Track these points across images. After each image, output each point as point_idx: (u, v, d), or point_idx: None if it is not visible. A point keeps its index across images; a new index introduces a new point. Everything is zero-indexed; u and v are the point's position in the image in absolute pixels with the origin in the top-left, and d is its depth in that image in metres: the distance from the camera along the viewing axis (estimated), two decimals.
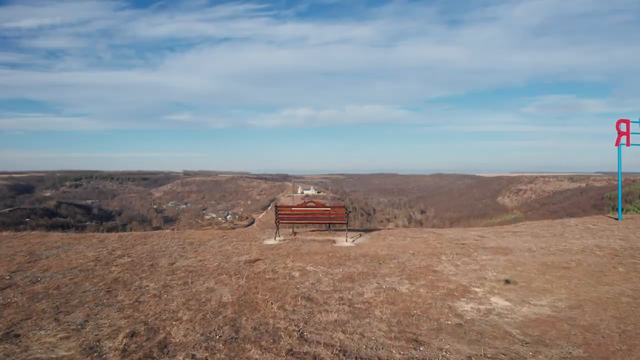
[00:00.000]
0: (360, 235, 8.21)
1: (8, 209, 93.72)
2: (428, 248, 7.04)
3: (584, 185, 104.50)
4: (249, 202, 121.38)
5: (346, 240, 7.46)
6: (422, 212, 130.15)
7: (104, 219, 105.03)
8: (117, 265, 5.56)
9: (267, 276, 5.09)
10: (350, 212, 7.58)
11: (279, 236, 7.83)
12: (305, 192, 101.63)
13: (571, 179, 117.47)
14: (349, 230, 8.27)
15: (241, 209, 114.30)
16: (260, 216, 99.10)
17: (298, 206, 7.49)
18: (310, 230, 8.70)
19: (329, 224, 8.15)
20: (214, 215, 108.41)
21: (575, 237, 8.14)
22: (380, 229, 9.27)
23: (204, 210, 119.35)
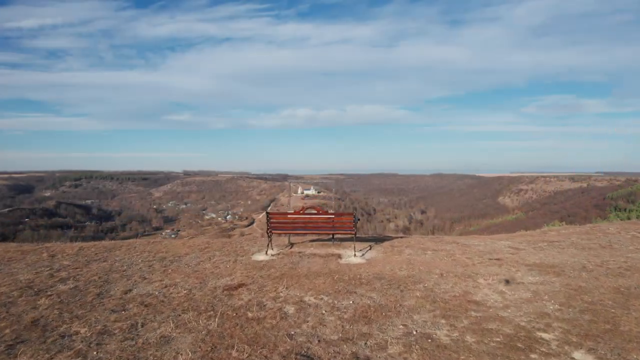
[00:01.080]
0: (371, 247, 6.80)
1: (7, 209, 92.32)
2: (457, 266, 5.64)
3: (585, 185, 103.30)
4: (249, 202, 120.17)
5: (354, 254, 6.06)
6: (423, 212, 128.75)
7: (104, 219, 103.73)
8: (51, 295, 4.16)
9: (249, 314, 3.69)
10: (359, 219, 6.19)
11: (272, 249, 6.42)
12: (305, 192, 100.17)
13: (572, 179, 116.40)
14: (357, 240, 6.88)
15: (241, 209, 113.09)
16: (260, 216, 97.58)
17: (295, 213, 6.09)
18: (310, 241, 7.30)
19: (333, 234, 6.74)
20: (213, 216, 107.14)
21: (629, 250, 6.73)
22: (393, 238, 7.87)
23: (204, 210, 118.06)
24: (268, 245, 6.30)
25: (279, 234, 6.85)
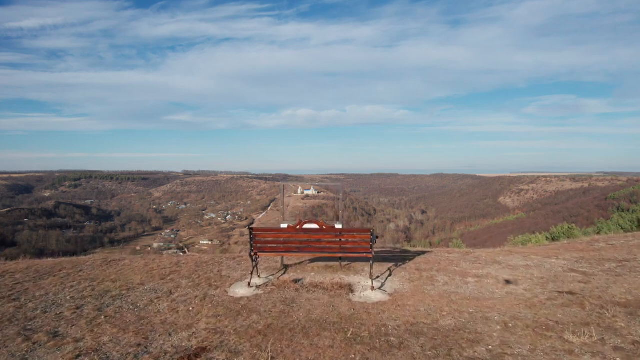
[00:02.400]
0: (390, 271, 5.09)
1: (6, 210, 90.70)
2: (518, 305, 3.94)
3: (586, 185, 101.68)
4: (249, 202, 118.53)
5: (372, 285, 4.35)
6: (423, 212, 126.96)
7: (103, 220, 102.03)
8: None
9: None
10: (377, 237, 4.49)
11: (257, 277, 4.72)
12: (306, 192, 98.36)
13: (573, 179, 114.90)
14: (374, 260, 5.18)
15: (241, 209, 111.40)
16: (260, 217, 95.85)
17: (290, 230, 4.40)
18: (311, 261, 5.60)
19: (341, 257, 5.04)
20: (213, 216, 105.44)
21: None
22: (414, 255, 6.14)
23: (203, 210, 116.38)
24: (252, 272, 4.58)
25: (269, 255, 5.14)
